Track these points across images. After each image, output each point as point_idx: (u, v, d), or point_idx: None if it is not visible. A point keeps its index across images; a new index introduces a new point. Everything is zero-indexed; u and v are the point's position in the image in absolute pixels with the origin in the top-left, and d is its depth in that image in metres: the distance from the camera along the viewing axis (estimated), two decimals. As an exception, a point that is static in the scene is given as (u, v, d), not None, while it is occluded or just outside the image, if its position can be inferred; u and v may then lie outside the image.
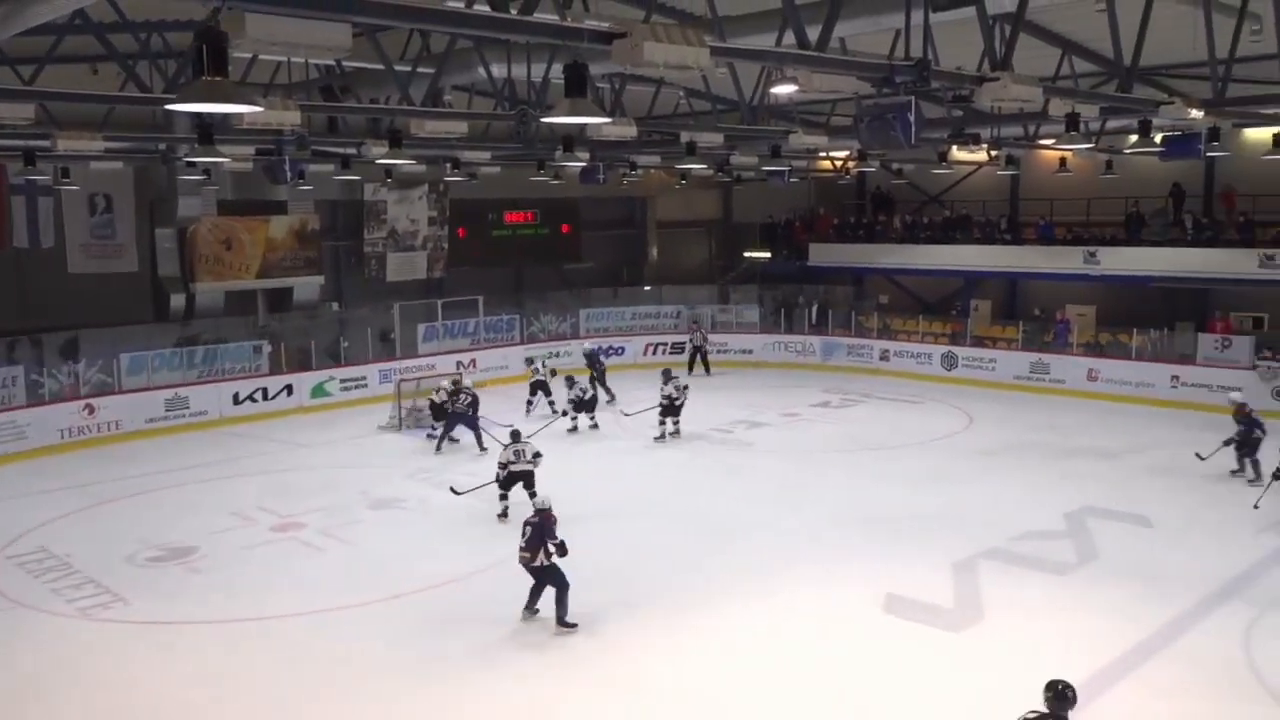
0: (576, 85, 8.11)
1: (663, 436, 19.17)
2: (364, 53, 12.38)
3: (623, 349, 27.58)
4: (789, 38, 9.49)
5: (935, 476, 16.75)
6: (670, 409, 19.27)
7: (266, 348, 23.05)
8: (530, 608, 10.99)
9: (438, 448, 18.56)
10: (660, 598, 11.67)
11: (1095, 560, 12.78)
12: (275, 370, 22.79)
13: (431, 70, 14.30)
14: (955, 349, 25.47)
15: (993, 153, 22.82)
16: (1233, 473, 16.06)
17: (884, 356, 26.53)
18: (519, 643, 10.62)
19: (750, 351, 27.97)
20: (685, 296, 29.80)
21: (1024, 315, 27.12)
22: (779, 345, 27.90)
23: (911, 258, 29.14)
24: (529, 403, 21.37)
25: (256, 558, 13.39)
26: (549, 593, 10.90)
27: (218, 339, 23.05)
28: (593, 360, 22.90)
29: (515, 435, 14.98)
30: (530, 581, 10.99)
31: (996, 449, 18.49)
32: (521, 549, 10.77)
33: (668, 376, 19.63)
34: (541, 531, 10.70)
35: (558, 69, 12.87)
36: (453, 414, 18.69)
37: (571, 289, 30.38)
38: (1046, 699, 6.97)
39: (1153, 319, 24.20)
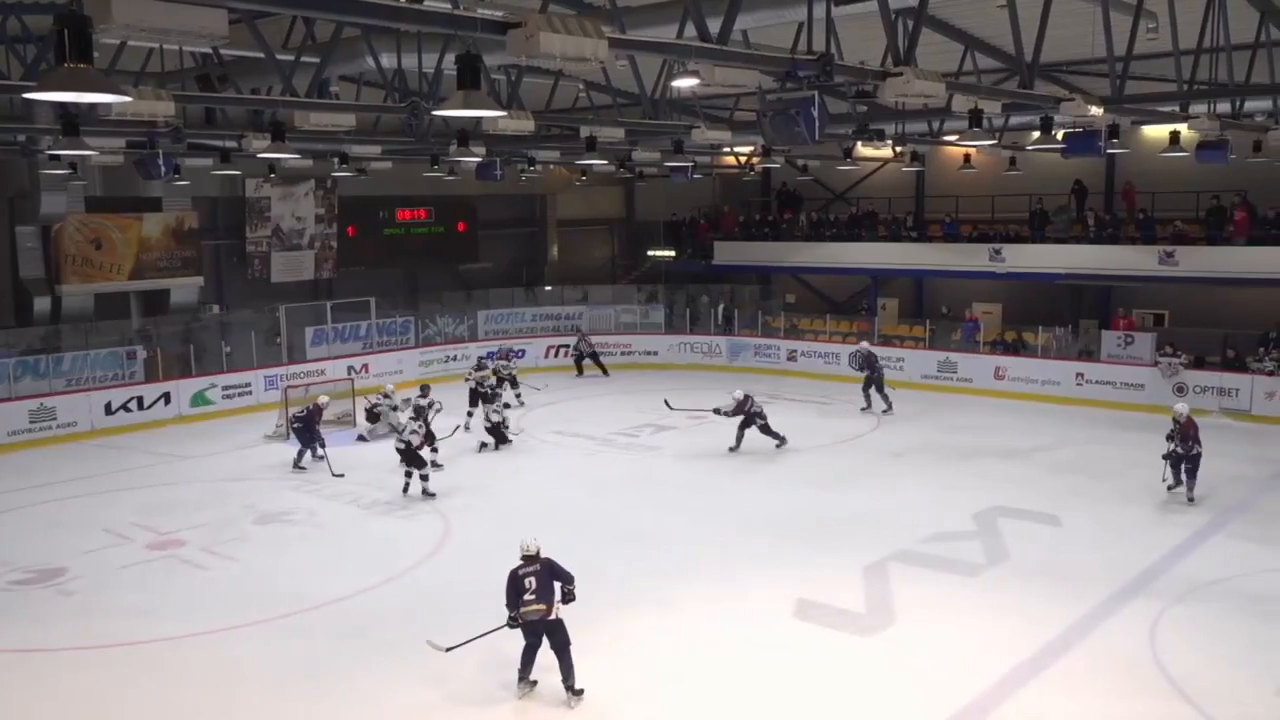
0: (470, 77, 8.07)
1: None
2: (243, 40, 12.11)
3: (523, 352, 27.39)
4: (690, 29, 9.57)
5: (845, 478, 17.05)
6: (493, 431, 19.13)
7: (141, 354, 22.33)
8: (528, 678, 9.71)
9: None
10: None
11: (1005, 560, 13.15)
12: (151, 378, 22.05)
13: (316, 60, 14.05)
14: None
15: (897, 149, 23.40)
16: (1169, 487, 15.61)
17: (791, 357, 26.92)
18: (416, 662, 10.45)
19: (655, 353, 28.10)
20: (587, 297, 29.80)
21: (931, 314, 27.80)
22: (685, 346, 28.10)
23: (818, 256, 29.67)
24: (469, 414, 20.45)
25: (133, 578, 12.94)
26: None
27: (87, 345, 22.23)
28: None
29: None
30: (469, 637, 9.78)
31: (906, 449, 18.91)
32: (530, 602, 9.44)
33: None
34: (552, 574, 9.58)
35: (450, 60, 12.75)
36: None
37: (469, 290, 30.16)
38: None
39: (1058, 316, 25.07)
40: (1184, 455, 15.30)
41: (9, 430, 19.70)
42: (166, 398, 21.79)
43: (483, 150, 18.77)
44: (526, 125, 13.54)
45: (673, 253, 33.02)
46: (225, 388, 22.70)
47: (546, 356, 27.68)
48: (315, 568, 13.20)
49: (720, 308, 28.53)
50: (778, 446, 18.71)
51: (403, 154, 21.17)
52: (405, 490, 16.02)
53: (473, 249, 32.04)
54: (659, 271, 32.44)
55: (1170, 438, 15.48)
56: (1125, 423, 20.38)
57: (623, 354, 27.93)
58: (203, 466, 18.28)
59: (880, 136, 18.55)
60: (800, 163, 28.59)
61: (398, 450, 16.06)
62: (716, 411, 18.84)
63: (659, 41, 9.87)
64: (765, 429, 18.71)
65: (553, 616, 9.53)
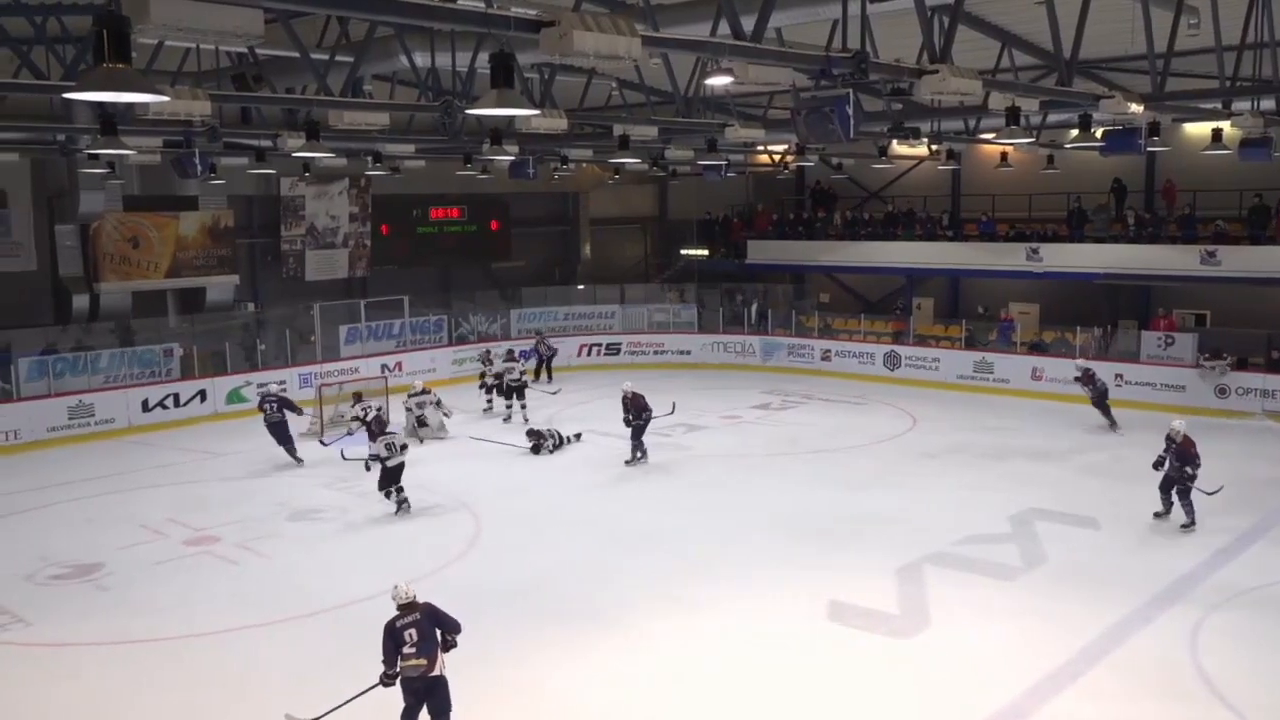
0: (503, 75, 8.09)
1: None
2: (278, 40, 12.22)
3: (555, 350, 27.47)
4: (724, 27, 9.55)
5: (879, 479, 16.96)
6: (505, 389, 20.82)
7: (178, 351, 22.59)
8: None
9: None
10: (592, 613, 11.62)
11: (1041, 563, 13.02)
12: (187, 375, 22.32)
13: (350, 59, 14.15)
14: (898, 348, 25.82)
15: (933, 147, 23.21)
16: (1156, 515, 14.45)
17: (825, 357, 26.80)
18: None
19: (688, 352, 28.08)
20: (620, 296, 29.83)
21: (967, 314, 27.60)
22: (718, 346, 28.05)
23: (852, 255, 29.54)
24: (510, 406, 21.26)
25: (168, 574, 13.10)
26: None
27: (124, 343, 22.51)
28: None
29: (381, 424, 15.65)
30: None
31: (941, 450, 18.78)
32: (410, 656, 8.37)
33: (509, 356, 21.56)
34: (434, 622, 8.52)
35: (484, 58, 12.80)
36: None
37: (501, 288, 30.26)
38: None
39: (1096, 317, 24.79)
40: (1176, 478, 13.97)
41: (48, 426, 20.01)
42: (202, 395, 22.05)
43: (516, 149, 18.83)
44: (559, 124, 13.57)
45: (706, 252, 32.98)
46: (260, 385, 22.87)
47: (579, 355, 27.73)
48: (346, 566, 13.30)
49: (754, 307, 28.46)
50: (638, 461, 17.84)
51: (436, 153, 21.28)
52: (401, 508, 15.22)
53: (505, 247, 32.14)
54: (692, 270, 32.39)
55: (1160, 462, 14.23)
56: (1166, 425, 20.07)
57: (655, 353, 27.96)
58: (237, 463, 18.45)
59: (915, 134, 18.42)
60: (834, 161, 28.46)
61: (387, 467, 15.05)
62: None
63: (693, 39, 9.86)
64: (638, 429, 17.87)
65: (436, 672, 8.44)
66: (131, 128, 14.55)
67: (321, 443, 18.02)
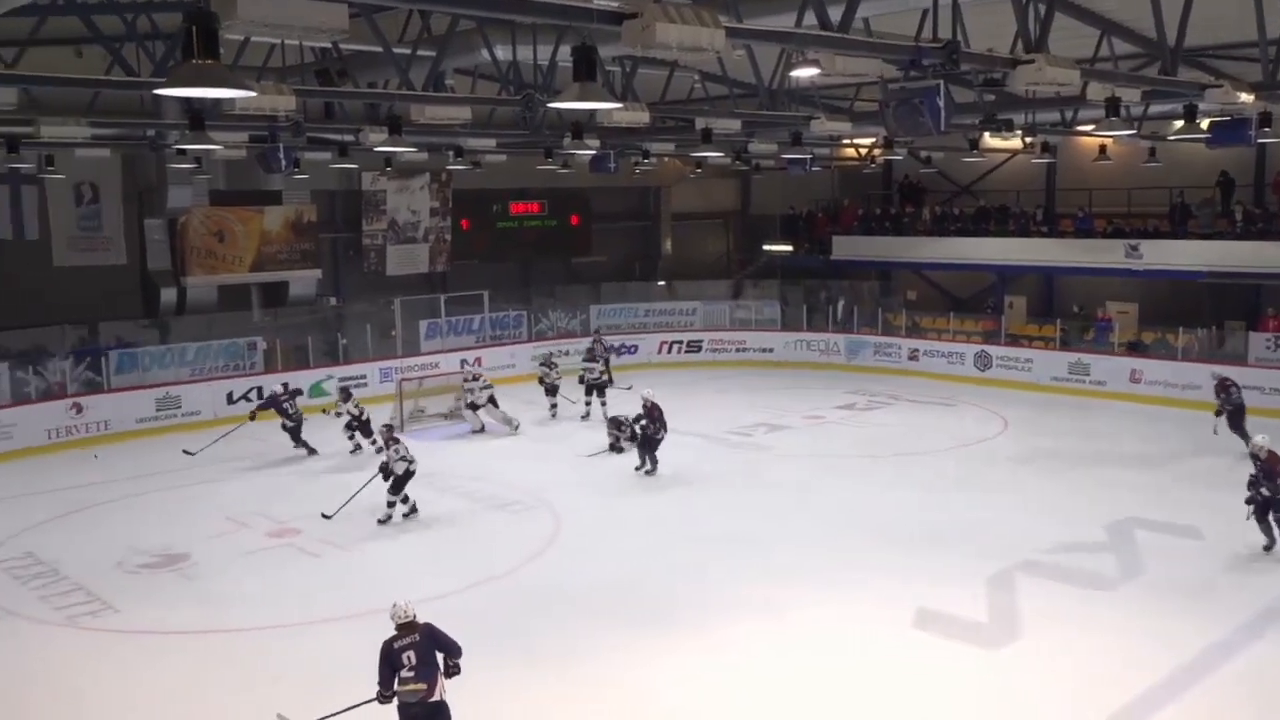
0: (585, 68, 8.11)
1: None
2: (361, 34, 12.40)
3: (635, 347, 27.57)
4: (810, 18, 9.48)
5: (968, 483, 16.69)
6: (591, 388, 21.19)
7: (261, 345, 23.15)
8: None
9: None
10: (668, 615, 11.64)
11: (1140, 574, 12.69)
12: (270, 369, 22.87)
13: (432, 53, 14.31)
14: (989, 348, 25.37)
15: (1027, 140, 22.73)
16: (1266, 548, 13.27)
17: (913, 356, 26.46)
18: (523, 659, 10.61)
19: (771, 350, 27.93)
20: (701, 292, 29.79)
21: (1062, 313, 27.01)
22: (801, 344, 27.85)
23: (941, 251, 29.09)
24: (553, 406, 21.59)
25: (251, 565, 13.45)
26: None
27: (209, 335, 23.15)
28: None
29: (389, 428, 15.61)
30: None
31: (1033, 455, 18.41)
32: (408, 680, 8.06)
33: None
34: (434, 644, 8.20)
35: (566, 51, 12.87)
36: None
37: (581, 283, 30.41)
38: None
39: (1199, 317, 24.07)
40: (1271, 499, 12.90)
41: (137, 418, 20.68)
42: (285, 389, 22.50)
43: (596, 142, 18.89)
44: (641, 117, 13.58)
45: (789, 247, 32.74)
46: (342, 379, 23.34)
47: (659, 352, 27.77)
48: (425, 561, 13.52)
49: (839, 304, 28.20)
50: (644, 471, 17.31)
51: (517, 147, 21.43)
52: (400, 515, 15.03)
53: (586, 242, 32.29)
54: (775, 266, 32.20)
55: (1254, 482, 13.04)
56: (1275, 431, 19.43)
57: (737, 350, 27.88)
58: (319, 457, 18.83)
59: (1009, 127, 18.07)
60: (923, 154, 28.06)
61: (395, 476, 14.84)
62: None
63: (778, 30, 9.77)
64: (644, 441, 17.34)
65: (435, 697, 8.11)
66: (218, 123, 14.88)
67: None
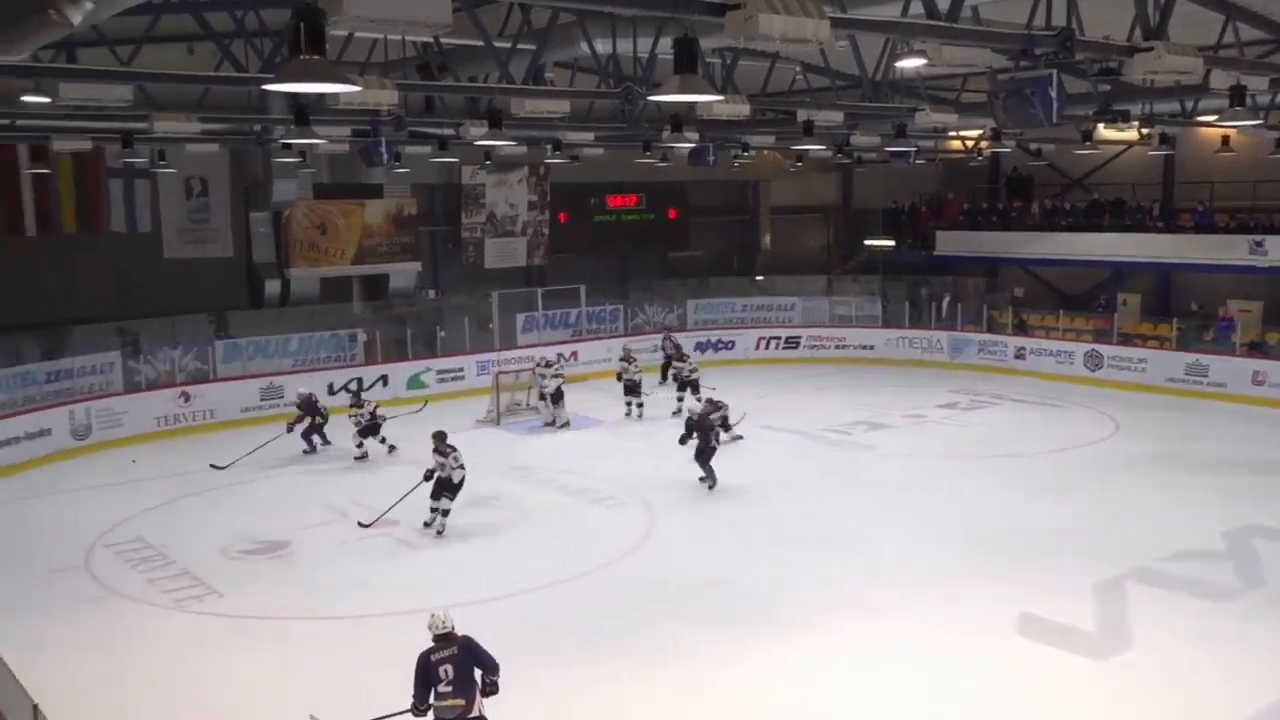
0: (687, 60, 8.10)
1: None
2: (463, 29, 12.56)
3: (732, 343, 27.50)
4: (916, 6, 9.32)
5: (1076, 487, 16.28)
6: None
7: (361, 336, 23.69)
8: None
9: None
10: (763, 615, 11.60)
11: (1261, 586, 12.23)
12: (370, 360, 23.39)
13: (532, 46, 14.45)
14: (1100, 347, 24.71)
15: (1144, 131, 22.04)
16: None
17: (1019, 355, 25.91)
18: (614, 655, 10.67)
19: (871, 347, 27.61)
20: (800, 287, 29.56)
21: (1179, 311, 26.17)
22: (903, 341, 27.47)
23: (1051, 247, 28.38)
24: (629, 404, 21.48)
25: (348, 554, 13.77)
26: None
27: (312, 326, 23.77)
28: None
29: (441, 436, 14.59)
30: None
31: (1146, 459, 17.87)
32: (446, 695, 7.81)
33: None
34: (472, 659, 7.94)
35: (666, 43, 12.88)
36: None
37: (679, 278, 30.43)
38: None
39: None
40: None
41: (242, 407, 21.32)
42: (384, 380, 23.05)
43: (695, 136, 18.88)
44: (742, 110, 13.53)
45: (891, 242, 32.31)
46: (439, 372, 23.81)
47: (757, 348, 27.64)
48: (519, 555, 13.68)
49: (945, 301, 27.74)
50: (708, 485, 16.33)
51: (615, 140, 21.54)
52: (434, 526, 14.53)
53: (683, 236, 32.31)
54: (876, 262, 31.81)
55: None
56: None
57: (836, 347, 27.61)
58: (417, 448, 19.12)
59: (1125, 117, 17.54)
60: (1033, 146, 27.43)
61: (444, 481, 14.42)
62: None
63: (884, 20, 9.66)
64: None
65: (474, 714, 7.88)
66: (322, 117, 15.24)
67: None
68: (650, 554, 13.68)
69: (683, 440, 16.43)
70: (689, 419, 16.70)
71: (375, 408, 18.47)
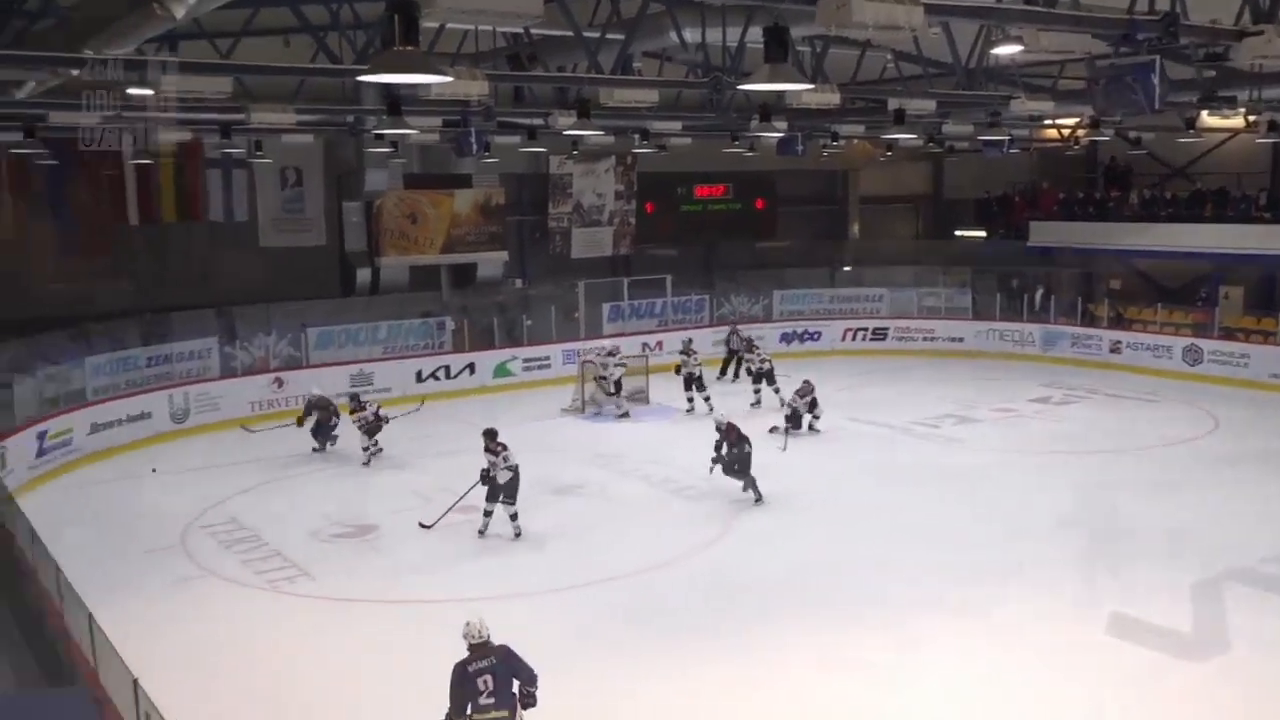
0: (777, 49, 8.05)
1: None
2: (552, 19, 12.64)
3: (819, 334, 27.30)
4: (1014, -8, 9.14)
5: (1173, 485, 15.86)
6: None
7: (449, 325, 24.03)
8: None
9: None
10: (847, 609, 11.56)
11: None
12: (458, 348, 23.71)
13: (621, 36, 14.47)
14: (1200, 342, 24.01)
15: (1251, 118, 21.32)
16: None
17: (1115, 349, 25.28)
18: (696, 647, 10.69)
19: (961, 340, 27.17)
20: (889, 278, 29.21)
21: (1284, 305, 25.30)
22: (993, 334, 26.99)
23: (1150, 238, 27.60)
24: (690, 399, 21.00)
25: (435, 539, 13.99)
26: None
27: (401, 314, 24.15)
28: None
29: (491, 435, 14.28)
30: None
31: (1247, 457, 17.33)
32: (488, 708, 7.57)
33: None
34: (512, 671, 7.71)
35: (755, 32, 12.79)
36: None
37: (765, 268, 30.27)
38: None
39: None
40: None
41: (334, 393, 21.68)
42: (471, 368, 23.36)
43: (784, 125, 18.75)
44: (831, 99, 13.41)
45: (983, 233, 31.75)
46: (526, 360, 24.04)
47: (843, 339, 27.40)
48: (600, 544, 13.80)
49: (1038, 293, 27.17)
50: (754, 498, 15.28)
51: (703, 130, 21.47)
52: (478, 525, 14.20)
53: (770, 226, 32.12)
54: (967, 252, 31.28)
55: None
56: None
57: (925, 339, 27.25)
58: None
59: (1231, 104, 16.98)
60: (1132, 135, 26.66)
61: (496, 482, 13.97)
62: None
63: (979, 6, 9.47)
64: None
65: None
66: (414, 108, 15.46)
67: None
68: (734, 544, 13.70)
69: (714, 461, 15.11)
70: (717, 425, 15.45)
71: (378, 409, 18.21)
